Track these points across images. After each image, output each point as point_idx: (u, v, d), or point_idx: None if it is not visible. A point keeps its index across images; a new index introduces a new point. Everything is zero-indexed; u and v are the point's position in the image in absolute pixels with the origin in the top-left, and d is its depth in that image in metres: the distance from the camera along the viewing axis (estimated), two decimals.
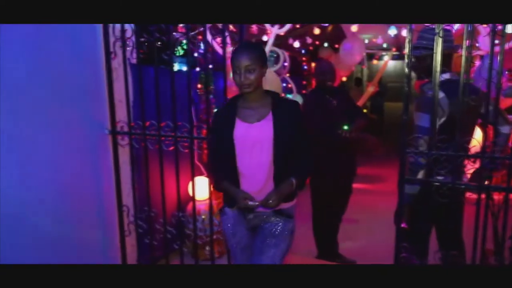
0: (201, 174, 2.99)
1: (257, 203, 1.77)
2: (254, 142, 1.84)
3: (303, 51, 6.41)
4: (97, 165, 2.39)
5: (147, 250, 2.52)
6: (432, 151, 2.02)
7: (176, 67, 3.52)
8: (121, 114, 2.43)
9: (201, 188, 2.77)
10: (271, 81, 3.44)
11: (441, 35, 1.95)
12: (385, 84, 9.29)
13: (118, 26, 2.32)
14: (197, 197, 2.64)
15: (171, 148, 2.32)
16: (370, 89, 5.48)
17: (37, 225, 2.03)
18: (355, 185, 3.50)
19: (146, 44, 2.39)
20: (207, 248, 2.93)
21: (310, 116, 3.28)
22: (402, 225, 2.17)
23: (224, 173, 1.90)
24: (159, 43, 2.30)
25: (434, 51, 1.96)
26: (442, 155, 2.01)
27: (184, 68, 4.17)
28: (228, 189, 1.88)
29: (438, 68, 1.98)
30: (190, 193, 2.61)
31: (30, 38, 1.96)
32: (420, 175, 2.12)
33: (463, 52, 1.92)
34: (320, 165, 3.21)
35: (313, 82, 6.77)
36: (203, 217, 3.08)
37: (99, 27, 2.34)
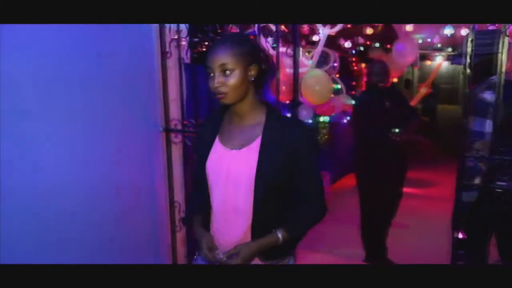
0: None
1: (223, 258, 1.35)
2: (229, 178, 1.37)
3: (353, 52, 6.29)
4: (150, 162, 2.44)
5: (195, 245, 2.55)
6: (494, 156, 1.91)
7: None
8: (175, 112, 2.47)
9: None
10: (323, 81, 3.39)
11: (507, 33, 1.85)
12: (438, 85, 8.95)
13: (173, 26, 2.36)
14: None
15: None
16: (423, 91, 5.28)
17: (93, 221, 2.10)
18: (405, 189, 3.39)
19: (200, 44, 2.42)
20: None
21: (361, 118, 3.21)
22: (459, 234, 2.07)
23: (198, 205, 1.52)
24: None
25: (499, 51, 1.86)
26: (506, 160, 1.90)
27: None
28: (195, 229, 1.48)
29: (504, 69, 1.88)
30: None
31: (90, 38, 2.02)
32: (477, 181, 2.02)
33: None
34: (369, 168, 3.15)
35: (363, 83, 6.64)
36: None
37: (155, 27, 2.38)
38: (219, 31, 2.35)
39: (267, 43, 2.85)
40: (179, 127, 2.45)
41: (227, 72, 1.29)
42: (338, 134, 5.51)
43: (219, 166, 1.39)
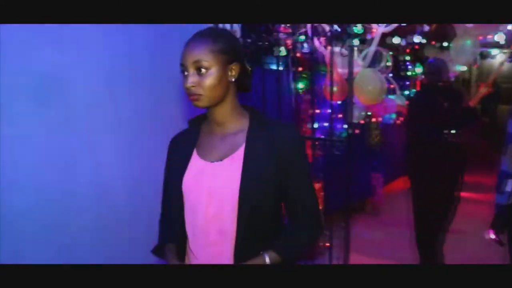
0: None
1: None
2: (210, 195, 1.17)
3: (407, 50, 6.07)
4: None
5: None
6: None
7: (275, 67, 3.55)
8: None
9: None
10: (376, 81, 3.30)
11: None
12: (499, 85, 8.47)
13: (227, 27, 2.38)
14: None
15: None
16: (483, 90, 5.00)
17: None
18: (463, 194, 3.22)
19: (253, 44, 2.43)
20: None
21: (416, 118, 3.09)
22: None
23: (170, 232, 1.31)
24: (265, 43, 2.32)
25: None
26: None
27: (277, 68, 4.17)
28: (168, 261, 1.26)
29: None
30: None
31: (147, 39, 2.08)
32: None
33: None
34: (424, 171, 3.03)
35: (417, 83, 6.40)
36: None
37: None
38: (272, 31, 2.36)
39: (318, 42, 2.81)
40: None
41: (202, 70, 1.12)
42: (390, 135, 5.36)
43: (198, 183, 1.19)
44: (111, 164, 1.93)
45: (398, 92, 4.97)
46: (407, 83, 6.40)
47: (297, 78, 2.89)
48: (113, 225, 1.93)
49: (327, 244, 2.81)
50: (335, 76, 2.42)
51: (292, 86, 2.50)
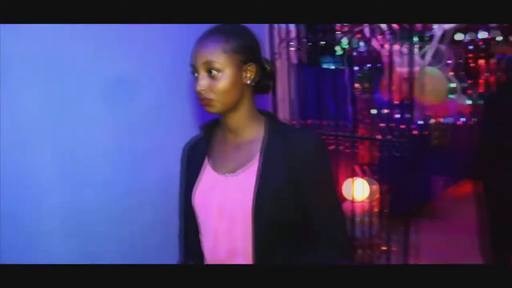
0: (357, 175, 2.90)
1: None
2: (222, 212, 1.07)
3: (470, 47, 5.77)
4: None
5: None
6: None
7: (333, 66, 3.50)
8: (284, 113, 2.48)
9: (358, 189, 2.68)
10: (437, 80, 3.16)
11: None
12: None
13: (283, 27, 2.37)
14: (354, 198, 2.56)
15: (331, 147, 2.29)
16: None
17: None
18: None
19: (309, 44, 2.40)
20: (360, 250, 2.82)
21: (492, 120, 2.91)
22: None
23: (186, 248, 1.23)
24: (322, 42, 2.29)
25: None
26: None
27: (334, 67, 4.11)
28: None
29: None
30: (345, 193, 2.56)
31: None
32: None
33: None
34: (500, 177, 2.83)
35: (481, 81, 6.06)
36: (358, 218, 2.99)
37: (265, 28, 2.41)
38: (328, 30, 2.32)
39: (373, 40, 2.73)
40: None
41: (213, 72, 1.00)
42: (453, 136, 5.11)
43: (209, 198, 1.08)
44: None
45: (460, 91, 4.73)
46: (470, 82, 6.08)
47: (354, 77, 2.82)
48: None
49: (384, 248, 2.72)
50: (394, 75, 2.34)
51: (349, 85, 2.44)
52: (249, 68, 1.04)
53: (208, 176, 1.11)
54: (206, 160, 1.13)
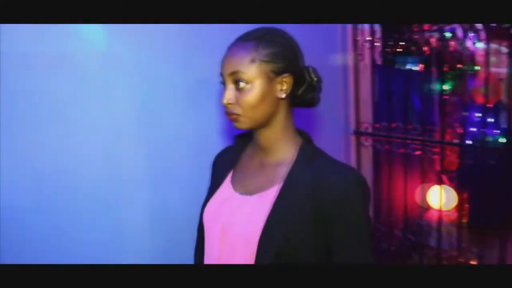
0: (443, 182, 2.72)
1: None
2: (224, 234, 0.95)
3: None
4: None
5: (382, 255, 2.43)
6: None
7: (420, 67, 3.33)
8: (366, 116, 2.40)
9: (444, 197, 2.51)
10: None
11: None
12: None
13: (367, 27, 2.29)
14: (438, 207, 2.40)
15: (417, 152, 2.16)
16: None
17: None
18: None
19: (394, 44, 2.30)
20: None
21: None
22: None
23: (197, 262, 1.13)
24: (407, 42, 2.18)
25: None
26: None
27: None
28: None
29: None
30: (429, 201, 2.40)
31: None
32: None
33: None
34: None
35: None
36: (443, 228, 2.80)
37: (348, 28, 2.34)
38: (415, 30, 2.20)
39: (469, 39, 2.55)
40: (370, 130, 2.37)
41: (241, 84, 0.89)
42: None
43: (217, 214, 0.98)
44: None
45: None
46: None
47: (442, 78, 2.64)
48: None
49: (473, 263, 2.52)
50: (488, 75, 2.16)
51: (437, 87, 2.30)
52: (283, 79, 0.92)
53: (224, 191, 1.02)
54: (229, 174, 1.04)
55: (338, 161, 0.95)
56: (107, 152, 1.50)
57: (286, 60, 0.92)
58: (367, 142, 2.40)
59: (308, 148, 0.97)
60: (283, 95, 0.93)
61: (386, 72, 2.32)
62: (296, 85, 0.95)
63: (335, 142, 2.38)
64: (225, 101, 0.91)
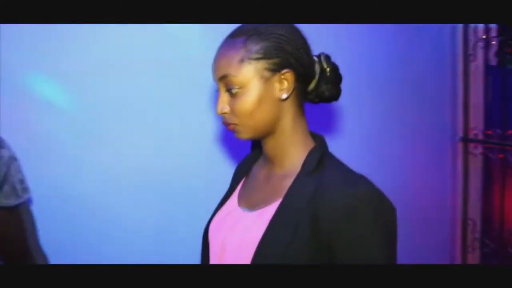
0: None
1: None
2: (224, 251, 0.84)
3: None
4: (444, 173, 2.25)
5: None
6: None
7: None
8: (477, 121, 2.20)
9: None
10: None
11: None
12: None
13: (480, 26, 2.09)
14: None
15: None
16: None
17: None
18: None
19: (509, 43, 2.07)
20: None
21: None
22: None
23: None
24: None
25: None
26: None
27: None
28: None
29: None
30: None
31: (393, 37, 2.01)
32: None
33: None
34: None
35: None
36: None
37: (459, 27, 2.16)
38: None
39: None
40: (480, 137, 2.17)
41: (233, 89, 0.77)
42: None
43: (219, 230, 0.88)
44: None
45: None
46: None
47: None
48: None
49: None
50: None
51: None
52: (282, 76, 0.78)
53: (229, 204, 0.91)
54: (240, 185, 0.94)
55: (350, 171, 0.80)
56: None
57: (283, 53, 0.77)
58: (477, 150, 2.19)
59: (315, 155, 0.81)
60: (285, 95, 0.78)
61: (502, 74, 2.10)
62: (302, 80, 0.81)
63: (440, 149, 2.22)
64: (218, 110, 0.80)
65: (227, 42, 0.80)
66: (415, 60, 2.11)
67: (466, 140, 2.21)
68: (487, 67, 2.17)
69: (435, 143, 2.21)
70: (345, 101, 1.87)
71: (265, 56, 0.76)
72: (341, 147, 1.87)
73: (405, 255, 2.11)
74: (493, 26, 2.06)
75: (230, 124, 0.80)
